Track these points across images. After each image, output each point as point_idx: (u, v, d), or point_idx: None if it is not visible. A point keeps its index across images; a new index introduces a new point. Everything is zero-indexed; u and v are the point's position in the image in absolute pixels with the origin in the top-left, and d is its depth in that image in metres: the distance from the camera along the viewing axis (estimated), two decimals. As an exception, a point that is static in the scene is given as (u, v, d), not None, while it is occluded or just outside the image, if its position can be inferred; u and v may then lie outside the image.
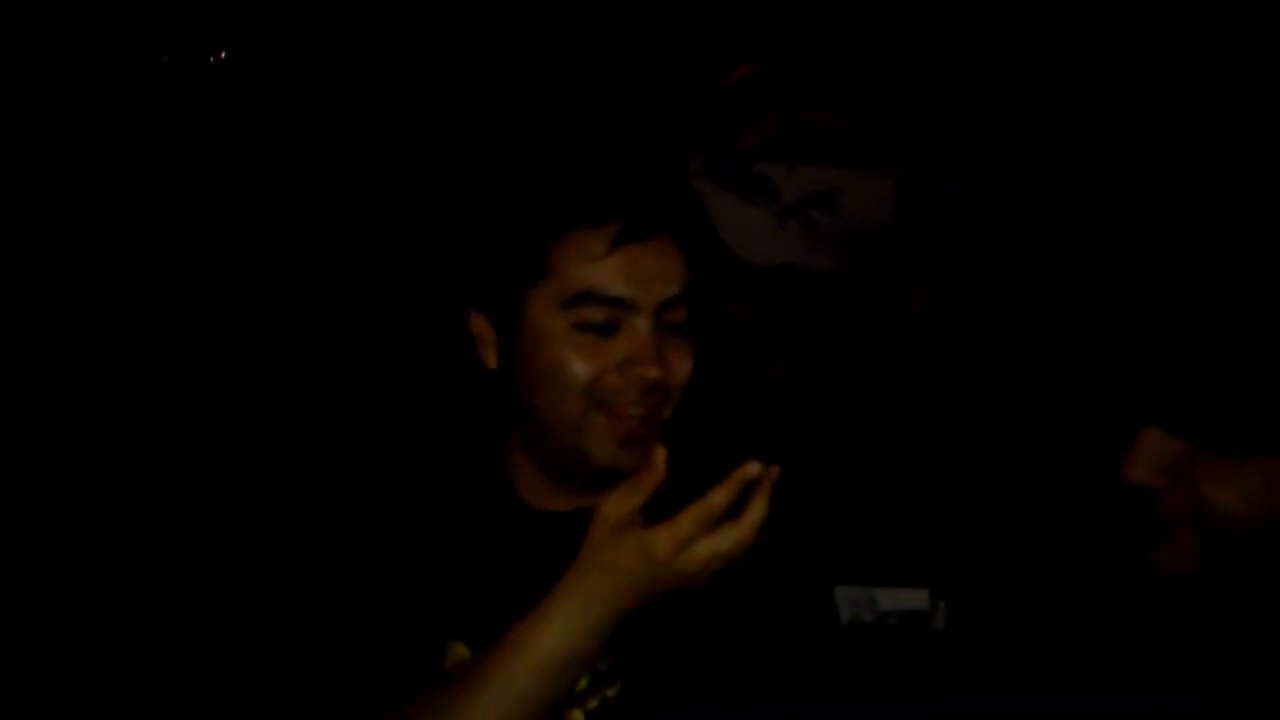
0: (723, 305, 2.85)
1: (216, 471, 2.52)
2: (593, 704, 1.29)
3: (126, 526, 2.43)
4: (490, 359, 1.32)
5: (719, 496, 1.15)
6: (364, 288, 2.60)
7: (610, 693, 1.29)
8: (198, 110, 2.63)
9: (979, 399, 2.57)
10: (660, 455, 1.17)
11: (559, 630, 1.18)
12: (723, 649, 1.28)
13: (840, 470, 2.47)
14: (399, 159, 2.52)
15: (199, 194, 2.65)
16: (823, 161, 2.86)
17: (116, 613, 2.26)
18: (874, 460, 2.56)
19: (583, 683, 1.27)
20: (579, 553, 1.20)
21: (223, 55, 2.61)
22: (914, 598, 2.16)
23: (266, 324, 2.62)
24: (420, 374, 2.36)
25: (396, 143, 2.54)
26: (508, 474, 1.36)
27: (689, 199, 1.32)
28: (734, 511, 1.16)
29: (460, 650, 1.32)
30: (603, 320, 1.24)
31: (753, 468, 1.15)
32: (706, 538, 1.15)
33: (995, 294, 2.73)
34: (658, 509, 1.17)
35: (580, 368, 1.24)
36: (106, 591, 2.31)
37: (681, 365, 1.26)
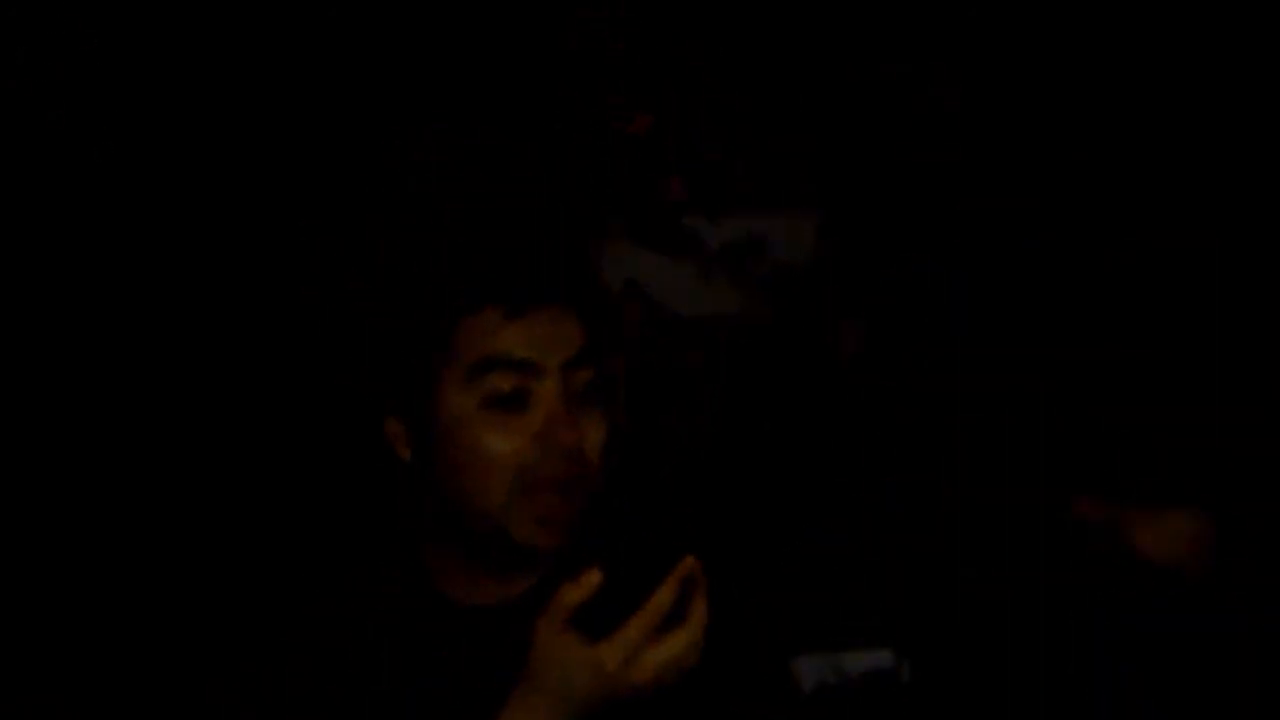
0: (656, 361, 2.83)
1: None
2: None
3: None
4: (405, 453, 1.31)
5: (662, 599, 1.14)
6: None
7: None
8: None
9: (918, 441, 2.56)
10: (594, 576, 1.15)
11: None
12: None
13: (795, 535, 2.46)
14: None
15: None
16: (742, 209, 2.85)
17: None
18: (825, 521, 2.54)
19: None
20: (516, 658, 1.18)
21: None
22: (879, 658, 2.15)
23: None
24: (334, 485, 2.32)
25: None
26: (429, 570, 1.34)
27: (580, 265, 1.32)
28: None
29: None
30: (510, 389, 1.23)
31: (690, 561, 1.15)
32: (654, 645, 1.14)
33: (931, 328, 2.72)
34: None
35: (498, 444, 1.23)
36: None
37: (596, 433, 1.26)
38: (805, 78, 2.80)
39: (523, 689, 1.17)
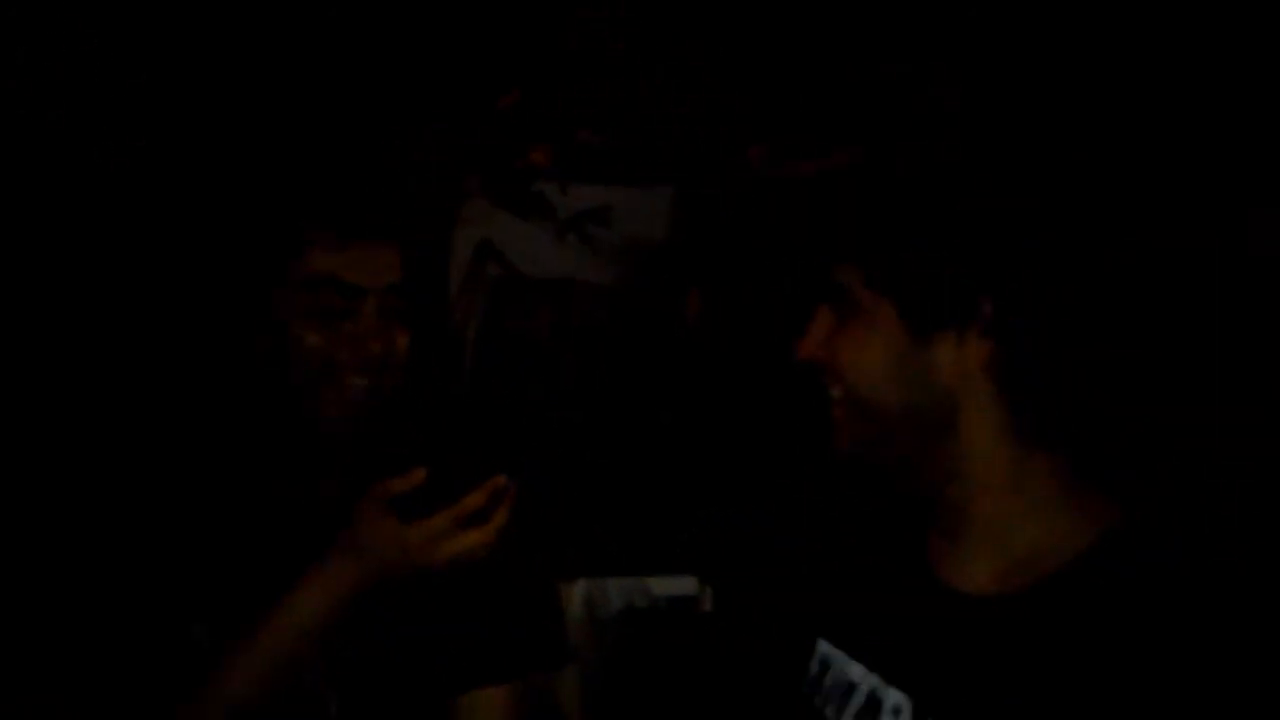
0: (504, 317, 2.96)
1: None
2: None
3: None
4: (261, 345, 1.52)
5: (471, 501, 1.38)
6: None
7: None
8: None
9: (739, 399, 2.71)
10: (419, 473, 1.39)
11: (313, 601, 1.39)
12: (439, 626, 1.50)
13: (621, 470, 2.61)
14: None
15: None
16: (596, 180, 2.98)
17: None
18: (647, 461, 2.69)
19: None
20: (314, 536, 1.41)
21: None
22: (683, 584, 2.31)
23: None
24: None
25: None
26: (262, 458, 1.55)
27: (411, 207, 1.54)
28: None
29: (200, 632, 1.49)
30: (337, 304, 1.47)
31: (501, 480, 1.39)
32: (454, 535, 1.38)
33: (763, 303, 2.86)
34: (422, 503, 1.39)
35: (315, 341, 1.47)
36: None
37: (401, 342, 1.50)
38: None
39: (336, 550, 1.40)
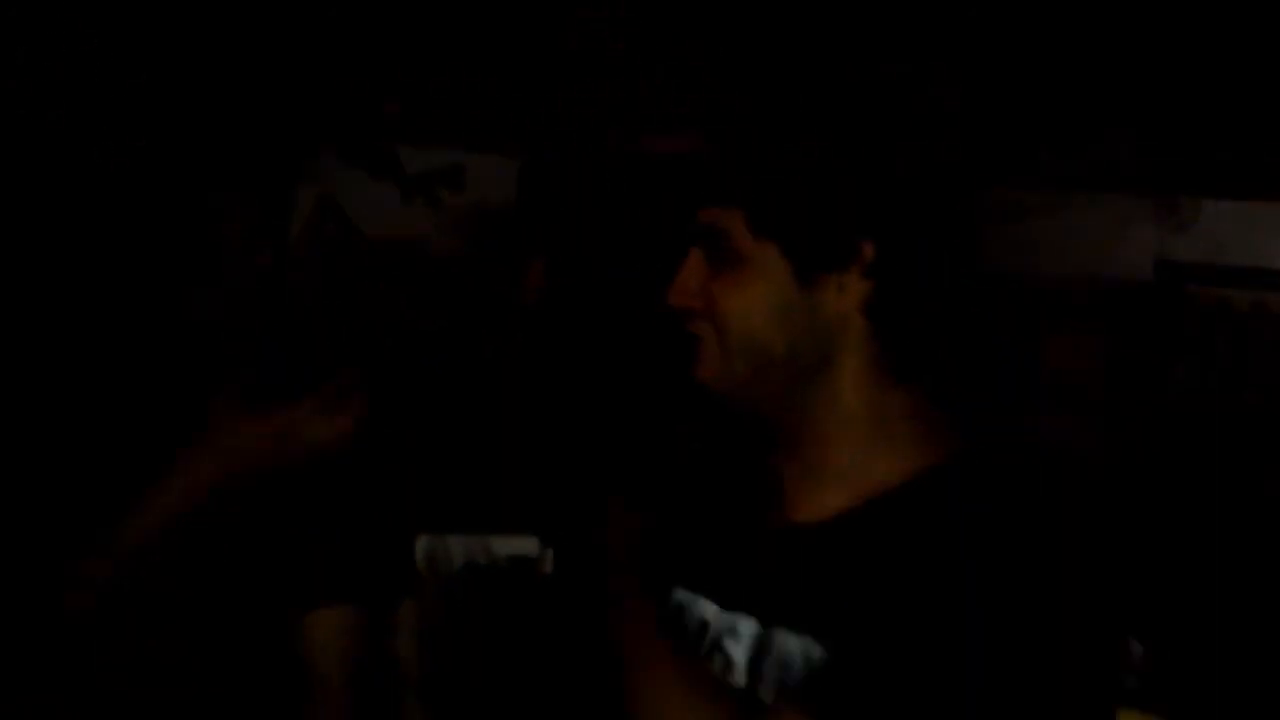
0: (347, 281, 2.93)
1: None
2: None
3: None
4: None
5: (328, 390, 1.47)
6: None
7: None
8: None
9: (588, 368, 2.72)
10: (279, 366, 1.49)
11: (170, 496, 1.45)
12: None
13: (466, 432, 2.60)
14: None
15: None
16: (447, 142, 2.96)
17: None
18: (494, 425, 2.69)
19: None
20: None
21: None
22: (525, 544, 2.31)
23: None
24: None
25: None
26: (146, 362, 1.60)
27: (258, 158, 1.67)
28: None
29: None
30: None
31: (355, 370, 1.49)
32: (311, 423, 1.47)
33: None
34: None
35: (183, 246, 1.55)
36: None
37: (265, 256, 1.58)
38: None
39: (192, 444, 1.44)
